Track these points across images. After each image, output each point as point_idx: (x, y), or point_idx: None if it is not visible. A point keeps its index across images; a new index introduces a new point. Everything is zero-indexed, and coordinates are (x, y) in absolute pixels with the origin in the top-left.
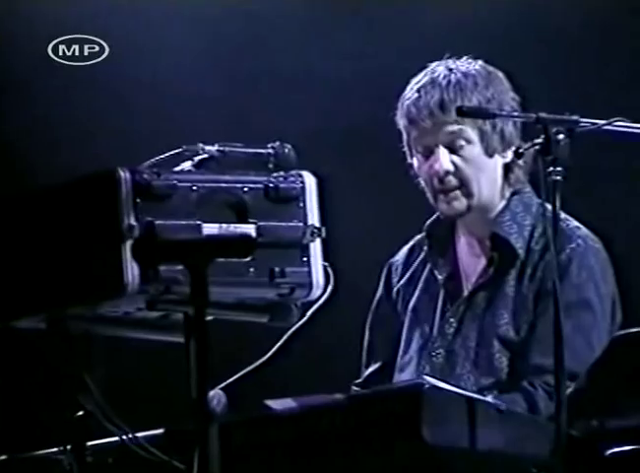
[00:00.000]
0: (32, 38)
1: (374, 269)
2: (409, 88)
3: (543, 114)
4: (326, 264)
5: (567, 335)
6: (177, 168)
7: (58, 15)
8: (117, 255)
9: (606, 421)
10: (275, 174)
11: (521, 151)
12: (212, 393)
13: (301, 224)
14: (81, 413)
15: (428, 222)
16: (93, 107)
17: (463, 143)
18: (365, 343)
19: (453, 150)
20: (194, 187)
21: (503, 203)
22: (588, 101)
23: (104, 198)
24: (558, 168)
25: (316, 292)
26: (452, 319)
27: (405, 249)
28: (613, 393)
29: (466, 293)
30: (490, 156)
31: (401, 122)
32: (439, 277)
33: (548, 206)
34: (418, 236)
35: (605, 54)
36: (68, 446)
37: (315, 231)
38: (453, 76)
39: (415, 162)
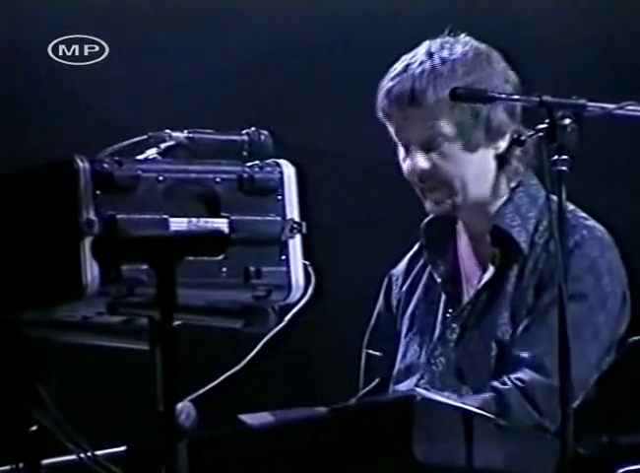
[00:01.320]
0: (32, 38)
1: (362, 268)
2: (386, 75)
3: (546, 97)
4: (307, 263)
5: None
6: (141, 157)
7: (58, 15)
8: (75, 253)
9: (616, 436)
10: (250, 164)
11: (522, 138)
12: (180, 406)
13: (279, 218)
14: (35, 428)
15: (425, 220)
16: (93, 107)
17: (439, 140)
18: (363, 360)
19: (430, 147)
20: (160, 178)
21: (505, 196)
22: (594, 88)
23: (61, 190)
24: (564, 157)
25: (296, 294)
26: (454, 325)
27: (405, 259)
28: (625, 406)
29: (467, 297)
30: (473, 151)
31: (380, 114)
32: (438, 279)
33: (554, 197)
34: (419, 243)
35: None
36: (20, 464)
37: (295, 226)
38: (429, 62)
39: (400, 155)
